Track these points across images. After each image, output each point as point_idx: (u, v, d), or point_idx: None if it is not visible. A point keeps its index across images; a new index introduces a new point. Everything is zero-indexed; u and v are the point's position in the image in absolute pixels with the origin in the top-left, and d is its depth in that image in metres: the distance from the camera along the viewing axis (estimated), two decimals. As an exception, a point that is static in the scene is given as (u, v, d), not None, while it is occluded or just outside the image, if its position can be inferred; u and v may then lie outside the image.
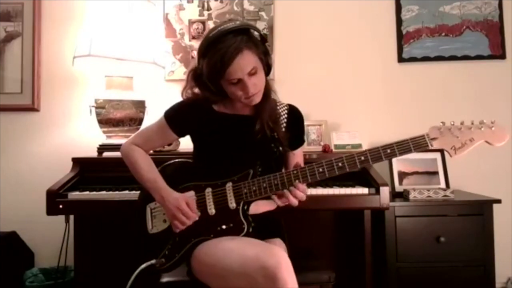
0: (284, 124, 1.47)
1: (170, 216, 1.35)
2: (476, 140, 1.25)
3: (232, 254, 1.22)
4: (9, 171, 2.41)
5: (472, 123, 1.26)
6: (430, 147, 1.26)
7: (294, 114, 1.52)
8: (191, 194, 1.38)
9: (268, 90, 1.42)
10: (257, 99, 1.37)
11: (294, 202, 1.31)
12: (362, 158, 1.28)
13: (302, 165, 1.33)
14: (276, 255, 1.15)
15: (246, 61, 1.29)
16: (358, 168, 1.29)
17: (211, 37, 1.30)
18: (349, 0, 2.45)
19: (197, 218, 1.35)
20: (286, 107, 1.51)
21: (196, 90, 1.42)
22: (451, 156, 1.27)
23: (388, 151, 1.27)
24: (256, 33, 1.34)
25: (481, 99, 2.41)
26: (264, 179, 1.33)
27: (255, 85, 1.33)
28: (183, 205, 1.32)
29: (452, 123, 1.27)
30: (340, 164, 1.29)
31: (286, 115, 1.49)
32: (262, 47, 1.35)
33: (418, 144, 1.26)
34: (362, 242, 1.90)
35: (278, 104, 1.50)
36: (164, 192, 1.36)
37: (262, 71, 1.36)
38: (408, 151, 1.26)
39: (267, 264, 1.12)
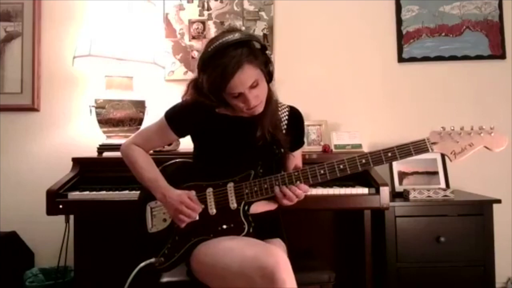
0: (285, 126, 1.47)
1: (173, 212, 1.35)
2: (475, 146, 1.28)
3: (231, 254, 1.22)
4: (9, 171, 2.42)
5: (472, 129, 1.29)
6: (431, 151, 1.28)
7: (295, 116, 1.51)
8: (192, 192, 1.37)
9: (270, 97, 1.40)
10: (260, 109, 1.36)
11: (293, 199, 1.32)
12: (364, 161, 1.30)
13: (301, 167, 1.34)
14: (275, 255, 1.15)
15: (247, 75, 1.27)
16: (359, 170, 1.30)
17: (210, 52, 1.27)
18: (349, 0, 2.45)
19: (200, 210, 1.35)
20: (287, 109, 1.51)
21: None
22: (451, 160, 1.30)
23: (389, 154, 1.29)
24: (256, 43, 1.30)
25: (481, 99, 2.40)
26: (265, 180, 1.33)
27: (257, 97, 1.32)
28: (186, 199, 1.33)
29: (452, 128, 1.29)
30: (341, 166, 1.31)
31: (287, 117, 1.48)
32: (263, 57, 1.32)
33: (419, 148, 1.28)
34: (362, 242, 1.90)
35: (279, 105, 1.49)
36: (166, 191, 1.36)
37: (264, 82, 1.35)
38: (409, 154, 1.28)
39: (265, 264, 1.12)
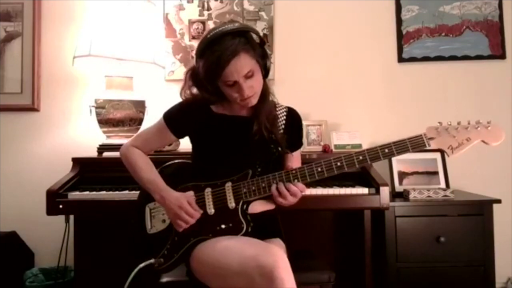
0: (283, 126, 1.47)
1: (172, 216, 1.35)
2: (472, 140, 1.27)
3: (231, 253, 1.22)
4: (9, 171, 2.42)
5: (469, 123, 1.28)
6: (428, 147, 1.28)
7: (293, 117, 1.51)
8: (190, 194, 1.37)
9: (266, 92, 1.42)
10: (253, 101, 1.37)
11: (288, 197, 1.30)
12: (361, 157, 1.30)
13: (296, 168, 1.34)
14: (274, 255, 1.15)
15: (243, 64, 1.29)
16: (357, 167, 1.30)
17: (208, 38, 1.30)
18: (349, 0, 2.45)
19: (199, 216, 1.35)
20: (285, 110, 1.51)
21: (195, 90, 1.42)
22: (448, 155, 1.29)
23: (386, 150, 1.28)
24: (255, 36, 1.34)
25: (481, 99, 2.41)
26: (263, 178, 1.33)
27: (251, 88, 1.33)
28: (185, 204, 1.32)
29: (449, 123, 1.29)
30: (338, 164, 1.30)
31: (284, 118, 1.48)
32: (260, 50, 1.35)
33: (416, 143, 1.28)
34: (362, 242, 1.90)
35: (277, 106, 1.50)
36: (165, 193, 1.36)
37: (260, 74, 1.36)
38: (406, 150, 1.28)
39: (265, 263, 1.13)
